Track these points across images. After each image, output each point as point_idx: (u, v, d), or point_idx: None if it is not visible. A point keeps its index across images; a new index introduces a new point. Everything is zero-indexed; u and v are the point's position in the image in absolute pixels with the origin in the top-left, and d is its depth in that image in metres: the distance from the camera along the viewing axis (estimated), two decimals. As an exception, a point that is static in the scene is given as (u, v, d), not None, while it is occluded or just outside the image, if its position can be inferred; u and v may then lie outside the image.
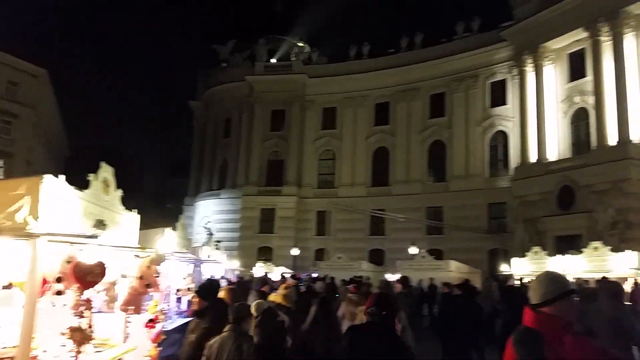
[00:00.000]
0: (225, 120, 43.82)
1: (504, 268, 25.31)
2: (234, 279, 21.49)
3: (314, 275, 25.67)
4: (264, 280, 12.12)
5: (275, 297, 7.18)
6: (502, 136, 33.80)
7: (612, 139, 25.96)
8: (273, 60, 43.86)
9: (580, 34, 28.45)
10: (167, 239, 6.59)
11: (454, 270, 23.99)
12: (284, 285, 7.82)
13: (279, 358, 3.66)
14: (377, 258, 34.13)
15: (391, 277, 22.85)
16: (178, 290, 9.87)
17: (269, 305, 5.23)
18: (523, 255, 22.25)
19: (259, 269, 28.22)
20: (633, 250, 18.77)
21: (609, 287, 7.36)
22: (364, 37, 41.24)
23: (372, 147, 38.97)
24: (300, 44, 45.64)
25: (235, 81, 42.31)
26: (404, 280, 15.33)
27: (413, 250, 28.77)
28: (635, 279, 16.45)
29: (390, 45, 40.34)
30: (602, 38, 27.17)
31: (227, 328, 4.64)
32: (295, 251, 34.72)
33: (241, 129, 41.89)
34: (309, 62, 42.44)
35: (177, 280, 10.08)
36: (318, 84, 40.52)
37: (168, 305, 8.57)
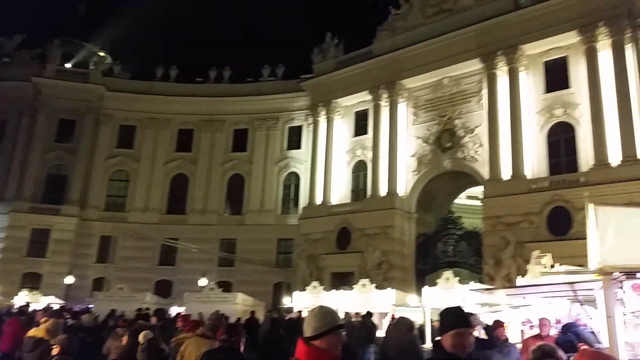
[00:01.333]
0: (-1, 122, 37.79)
1: (286, 301, 26.89)
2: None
3: (90, 306, 23.59)
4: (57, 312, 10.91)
5: (36, 331, 6.55)
6: (295, 177, 36.43)
7: (383, 190, 30.23)
8: (68, 65, 39.85)
9: (366, 96, 32.76)
10: None
11: (240, 303, 24.51)
12: (44, 319, 7.11)
13: None
14: (164, 289, 32.88)
15: (177, 309, 22.35)
16: None
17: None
18: (304, 289, 24.05)
19: (22, 298, 24.79)
20: (393, 288, 21.96)
21: (406, 322, 9.47)
22: (172, 61, 40.48)
23: (171, 173, 37.93)
24: (102, 54, 42.48)
25: (18, 80, 37.04)
26: (158, 312, 15.41)
27: (202, 282, 28.65)
28: (392, 314, 19.17)
29: (198, 74, 40.44)
30: (382, 103, 31.78)
31: None
32: (69, 279, 31.23)
33: (18, 135, 36.59)
34: (110, 74, 39.74)
35: None
36: (117, 98, 38.09)
37: None
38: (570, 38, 25.51)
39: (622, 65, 23.79)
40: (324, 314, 3.11)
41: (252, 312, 20.20)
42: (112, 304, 21.87)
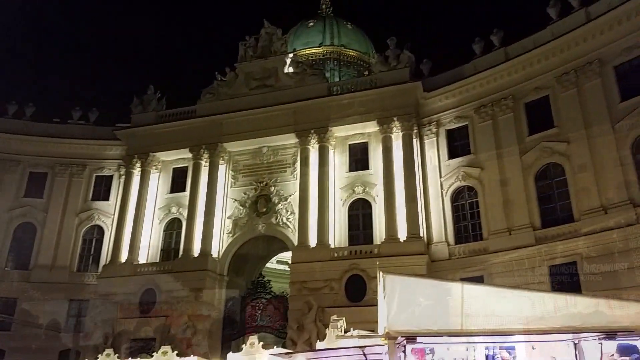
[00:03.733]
0: None
1: (73, 372, 23.86)
2: None
3: None
4: None
5: None
6: (99, 231, 33.49)
7: (197, 250, 29.63)
8: None
9: (186, 154, 32.45)
10: None
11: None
12: None
13: None
14: None
15: None
16: None
17: None
18: (96, 358, 21.70)
19: None
20: (197, 355, 21.18)
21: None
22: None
23: (-61, 216, 31.64)
24: None
25: None
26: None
27: (-36, 350, 23.85)
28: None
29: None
30: (202, 162, 31.85)
31: None
32: None
33: None
34: None
35: None
36: None
37: None
38: (371, 127, 29.46)
39: (410, 155, 28.19)
40: None
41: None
42: None
